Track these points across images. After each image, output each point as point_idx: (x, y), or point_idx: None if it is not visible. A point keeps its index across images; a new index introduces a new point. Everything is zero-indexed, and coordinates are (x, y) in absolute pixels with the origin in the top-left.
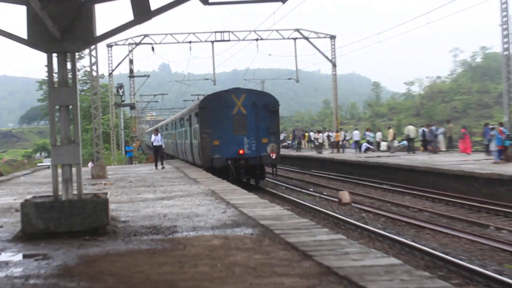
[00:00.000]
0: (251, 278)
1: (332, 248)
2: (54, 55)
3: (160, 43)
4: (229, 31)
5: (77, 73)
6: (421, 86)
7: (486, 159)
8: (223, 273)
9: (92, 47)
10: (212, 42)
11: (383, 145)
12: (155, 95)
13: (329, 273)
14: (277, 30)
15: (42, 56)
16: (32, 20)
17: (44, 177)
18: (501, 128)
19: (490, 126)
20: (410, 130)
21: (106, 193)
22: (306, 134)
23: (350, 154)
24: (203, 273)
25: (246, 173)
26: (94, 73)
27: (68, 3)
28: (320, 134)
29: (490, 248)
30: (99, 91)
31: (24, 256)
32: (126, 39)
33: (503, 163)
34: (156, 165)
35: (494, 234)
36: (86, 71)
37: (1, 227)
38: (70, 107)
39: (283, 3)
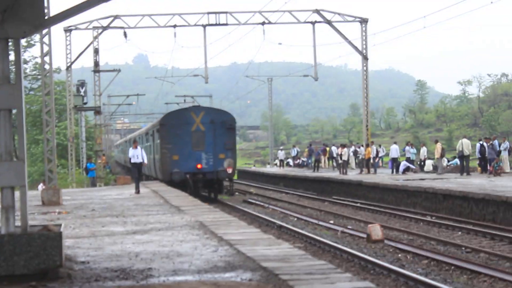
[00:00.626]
0: None
1: None
2: None
3: (135, 27)
4: (226, 12)
5: (24, 66)
6: (481, 86)
7: None
8: None
9: (44, 31)
10: (204, 26)
11: (428, 164)
12: (128, 96)
13: None
14: (290, 12)
15: None
16: None
17: None
18: None
19: None
20: (465, 144)
21: (60, 225)
22: (327, 148)
23: (384, 176)
24: None
25: (204, 187)
26: (47, 67)
27: None
28: (345, 149)
29: None
30: (53, 91)
31: None
32: (90, 22)
33: None
34: (137, 188)
35: None
36: (36, 63)
37: None
38: (14, 111)
39: None
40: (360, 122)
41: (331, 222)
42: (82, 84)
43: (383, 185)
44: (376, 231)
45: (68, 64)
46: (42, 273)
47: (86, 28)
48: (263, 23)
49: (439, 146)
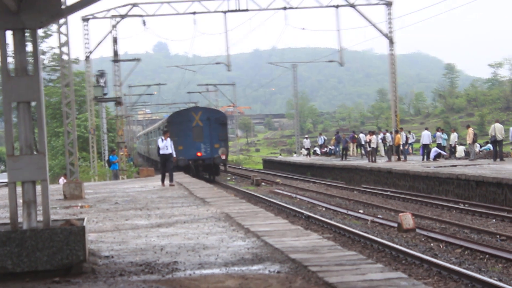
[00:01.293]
0: None
1: None
2: (9, 32)
3: (154, 15)
4: None
5: (42, 57)
6: None
7: None
8: None
9: (61, 21)
10: (224, 12)
11: (460, 150)
12: (149, 86)
13: None
14: None
15: None
16: None
17: (0, 198)
18: None
19: None
20: (497, 129)
21: (83, 219)
22: (356, 136)
23: (414, 163)
24: None
25: (204, 170)
26: (65, 57)
27: None
28: (374, 137)
29: None
30: (73, 82)
31: None
32: (108, 10)
33: None
34: (163, 181)
35: None
36: (54, 54)
37: None
38: (33, 103)
39: None
40: (388, 108)
41: (361, 211)
42: (101, 74)
43: (414, 173)
44: (407, 220)
45: (87, 54)
46: (65, 268)
47: (104, 17)
48: (284, 8)
49: (471, 131)
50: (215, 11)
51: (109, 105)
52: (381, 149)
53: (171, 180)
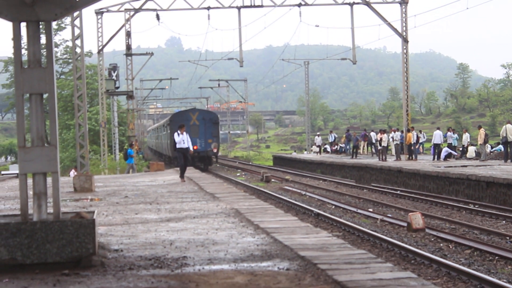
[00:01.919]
0: None
1: None
2: (23, 24)
3: (168, 9)
4: None
5: (55, 49)
6: None
7: None
8: None
9: (75, 13)
10: (239, 8)
11: (471, 151)
12: (160, 80)
13: None
14: None
15: (6, 26)
16: None
17: (10, 189)
18: None
19: None
20: (509, 130)
21: (93, 212)
22: (367, 134)
23: (424, 163)
24: None
25: (199, 161)
26: (78, 50)
27: None
28: (385, 135)
29: None
30: (85, 75)
31: None
32: (122, 4)
33: None
34: (182, 176)
35: None
36: (67, 47)
37: None
38: (45, 95)
39: None
40: (400, 107)
41: (370, 210)
42: (114, 68)
43: (424, 172)
44: (417, 219)
45: (100, 48)
46: (75, 261)
47: (118, 11)
48: (299, 5)
49: (482, 131)
50: (229, 7)
51: (121, 98)
52: (392, 147)
53: (182, 173)
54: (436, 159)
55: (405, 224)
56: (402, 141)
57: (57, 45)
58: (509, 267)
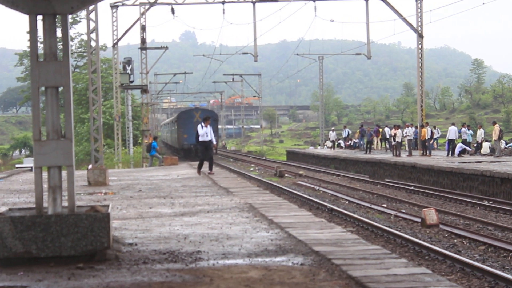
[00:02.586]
0: None
1: (413, 286)
2: (39, 17)
3: (182, 3)
4: None
5: (71, 43)
6: None
7: None
8: None
9: (91, 7)
10: (254, 2)
11: (485, 147)
12: (175, 74)
13: None
14: None
15: (22, 20)
16: None
17: (24, 182)
18: None
19: None
20: None
21: (107, 206)
22: (381, 129)
23: (438, 158)
24: None
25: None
26: (93, 44)
27: None
28: (399, 130)
29: None
30: (100, 68)
31: None
32: None
33: None
34: (199, 169)
35: None
36: (82, 40)
37: None
38: (61, 89)
39: None
40: (414, 102)
41: (384, 205)
42: (128, 62)
43: (438, 168)
44: (431, 215)
45: (115, 41)
46: (89, 254)
47: (133, 4)
48: (314, 0)
49: (497, 127)
50: (244, 1)
51: (135, 92)
52: (406, 143)
53: (210, 168)
54: (450, 155)
55: (419, 220)
56: (416, 136)
57: (72, 39)
58: None
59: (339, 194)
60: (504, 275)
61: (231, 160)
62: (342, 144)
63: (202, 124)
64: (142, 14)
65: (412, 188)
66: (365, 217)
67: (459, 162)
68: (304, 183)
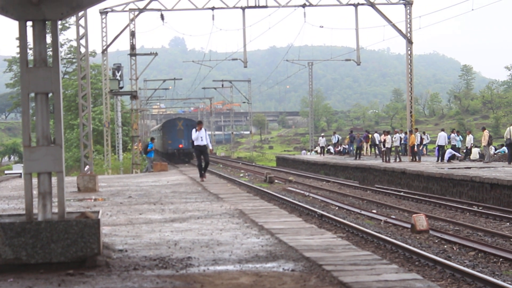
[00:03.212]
0: None
1: None
2: (29, 23)
3: (172, 9)
4: None
5: (60, 49)
6: None
7: None
8: None
9: (80, 13)
10: (243, 8)
11: (475, 153)
12: (164, 80)
13: None
14: None
15: (12, 26)
16: None
17: (13, 189)
18: None
19: None
20: None
21: (97, 212)
22: (370, 135)
23: (428, 164)
24: None
25: (184, 156)
26: (83, 50)
27: None
28: (388, 136)
29: None
30: (89, 74)
31: None
32: (126, 4)
33: None
34: (201, 174)
35: None
36: (71, 46)
37: None
38: (50, 95)
39: None
40: (403, 108)
41: (374, 211)
42: (118, 68)
43: (428, 174)
44: (420, 221)
45: (104, 47)
46: (79, 261)
47: (122, 11)
48: (304, 5)
49: (486, 133)
50: (234, 7)
51: (124, 98)
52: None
53: (203, 173)
54: (440, 161)
55: (409, 226)
56: (405, 142)
57: (61, 45)
58: None
59: (329, 200)
60: (494, 280)
61: (221, 166)
62: (332, 150)
63: (196, 129)
64: (132, 20)
65: (402, 194)
66: (355, 223)
67: (449, 168)
68: (294, 189)
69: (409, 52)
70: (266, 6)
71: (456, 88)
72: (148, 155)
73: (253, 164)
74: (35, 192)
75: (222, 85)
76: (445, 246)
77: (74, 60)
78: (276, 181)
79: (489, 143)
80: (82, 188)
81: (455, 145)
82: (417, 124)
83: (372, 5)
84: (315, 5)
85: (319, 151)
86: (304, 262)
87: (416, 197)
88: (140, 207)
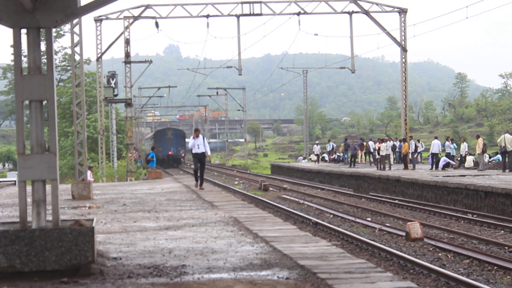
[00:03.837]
0: None
1: None
2: (23, 31)
3: (167, 17)
4: (260, 2)
5: (54, 56)
6: None
7: None
8: None
9: (75, 21)
10: (238, 16)
11: (469, 160)
12: (159, 88)
13: None
14: (326, 1)
15: (6, 33)
16: None
17: (8, 196)
18: None
19: None
20: (507, 140)
21: (92, 220)
22: (365, 143)
23: (422, 172)
24: None
25: (173, 162)
26: (77, 57)
27: None
28: (383, 144)
29: None
30: (84, 82)
31: None
32: (121, 11)
33: None
34: (197, 181)
35: None
36: (66, 54)
37: None
38: (45, 102)
39: None
40: (398, 116)
41: (369, 219)
42: (112, 75)
43: (422, 182)
44: (415, 229)
45: (99, 55)
46: (73, 269)
47: (117, 18)
48: (298, 13)
49: (480, 141)
50: (229, 15)
51: (119, 106)
52: (391, 157)
53: (201, 182)
54: (434, 169)
55: (403, 234)
56: (399, 150)
57: (55, 52)
58: (508, 277)
59: (323, 208)
60: None
61: (216, 174)
62: (327, 158)
63: (193, 136)
64: (126, 27)
65: (396, 202)
66: (350, 231)
67: (443, 176)
68: (288, 197)
69: (403, 60)
70: (260, 14)
71: (451, 96)
72: (150, 164)
73: (248, 171)
74: (29, 199)
75: (217, 92)
76: (440, 254)
77: (68, 68)
78: (270, 189)
79: (484, 151)
80: (77, 196)
81: (449, 153)
82: (412, 132)
83: (367, 13)
84: (310, 13)
85: (314, 158)
86: (298, 270)
87: (410, 205)
88: (134, 215)
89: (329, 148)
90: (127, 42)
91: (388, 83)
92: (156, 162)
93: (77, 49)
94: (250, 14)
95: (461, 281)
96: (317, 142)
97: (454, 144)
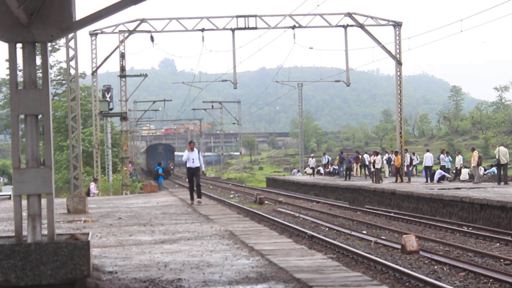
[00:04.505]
0: None
1: None
2: (19, 45)
3: (162, 31)
4: (255, 16)
5: (50, 71)
6: None
7: None
8: None
9: (70, 35)
10: (233, 30)
11: (464, 173)
12: (154, 102)
13: None
14: (321, 15)
15: (1, 48)
16: None
17: (3, 210)
18: None
19: None
20: (502, 152)
21: (87, 234)
22: (360, 156)
23: (418, 185)
24: None
25: (163, 173)
26: (73, 71)
27: None
28: (378, 157)
29: None
30: (79, 96)
31: None
32: (116, 25)
33: None
34: (191, 197)
35: None
36: (61, 68)
37: None
38: (40, 116)
39: None
40: (393, 129)
41: (364, 232)
42: (108, 89)
43: (418, 194)
44: (411, 241)
45: (94, 69)
46: (69, 283)
47: (112, 32)
48: (293, 27)
49: (476, 154)
50: (224, 29)
51: (114, 120)
52: (386, 170)
53: (198, 196)
54: (429, 181)
55: (399, 247)
56: (393, 163)
57: (51, 67)
58: None
59: (319, 221)
60: None
61: (211, 187)
62: (322, 171)
63: (186, 150)
64: (121, 41)
65: (391, 214)
66: (345, 244)
67: (439, 189)
68: (284, 210)
69: (398, 73)
70: (255, 28)
71: (446, 109)
72: (159, 180)
73: (243, 185)
74: (24, 214)
75: (212, 106)
76: (436, 267)
77: (64, 82)
78: (266, 202)
79: (479, 164)
80: (72, 210)
81: (444, 165)
82: (407, 144)
83: (362, 26)
84: (305, 27)
85: (309, 171)
86: (294, 284)
87: (406, 217)
88: (130, 229)
89: (324, 161)
90: (122, 56)
91: (383, 96)
92: (162, 178)
93: (72, 63)
94: (245, 28)
95: None
96: (312, 155)
97: (449, 157)
